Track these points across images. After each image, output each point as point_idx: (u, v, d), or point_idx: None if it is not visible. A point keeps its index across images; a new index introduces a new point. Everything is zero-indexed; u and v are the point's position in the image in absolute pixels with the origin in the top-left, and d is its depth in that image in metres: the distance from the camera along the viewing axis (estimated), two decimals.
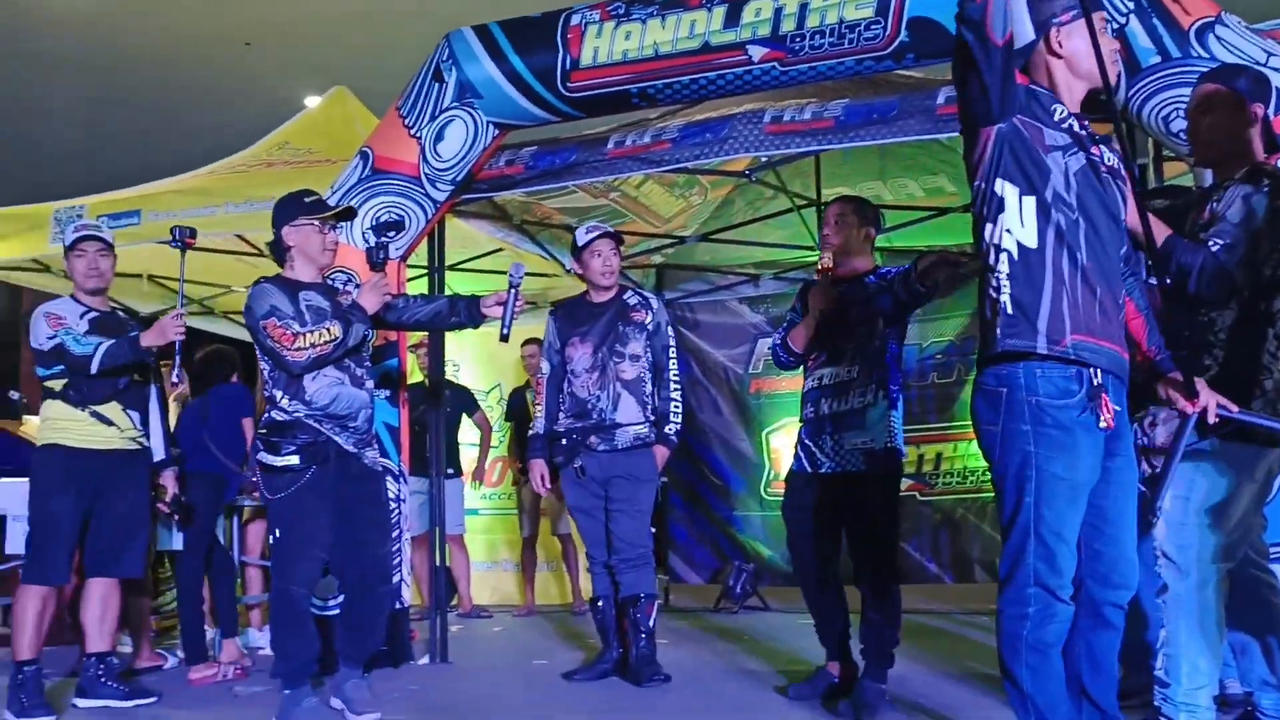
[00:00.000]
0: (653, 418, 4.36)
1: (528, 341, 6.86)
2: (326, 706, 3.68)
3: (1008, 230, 2.35)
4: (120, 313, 4.35)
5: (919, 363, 6.98)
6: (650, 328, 4.38)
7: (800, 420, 3.87)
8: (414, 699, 4.07)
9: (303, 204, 3.84)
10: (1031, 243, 2.34)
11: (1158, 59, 3.67)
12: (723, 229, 6.84)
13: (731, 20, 4.25)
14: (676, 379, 4.44)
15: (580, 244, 4.42)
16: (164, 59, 8.32)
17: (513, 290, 3.80)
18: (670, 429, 4.37)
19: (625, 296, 4.45)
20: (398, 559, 4.74)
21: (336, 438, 3.68)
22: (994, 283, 2.38)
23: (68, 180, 7.73)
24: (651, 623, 4.20)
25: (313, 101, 8.28)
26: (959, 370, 6.79)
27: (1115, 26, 3.67)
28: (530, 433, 4.54)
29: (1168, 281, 2.85)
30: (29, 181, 8.84)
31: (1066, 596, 2.35)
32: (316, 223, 3.80)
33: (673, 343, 4.47)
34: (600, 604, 4.36)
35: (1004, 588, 2.38)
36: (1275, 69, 3.51)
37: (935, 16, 3.95)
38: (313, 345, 3.57)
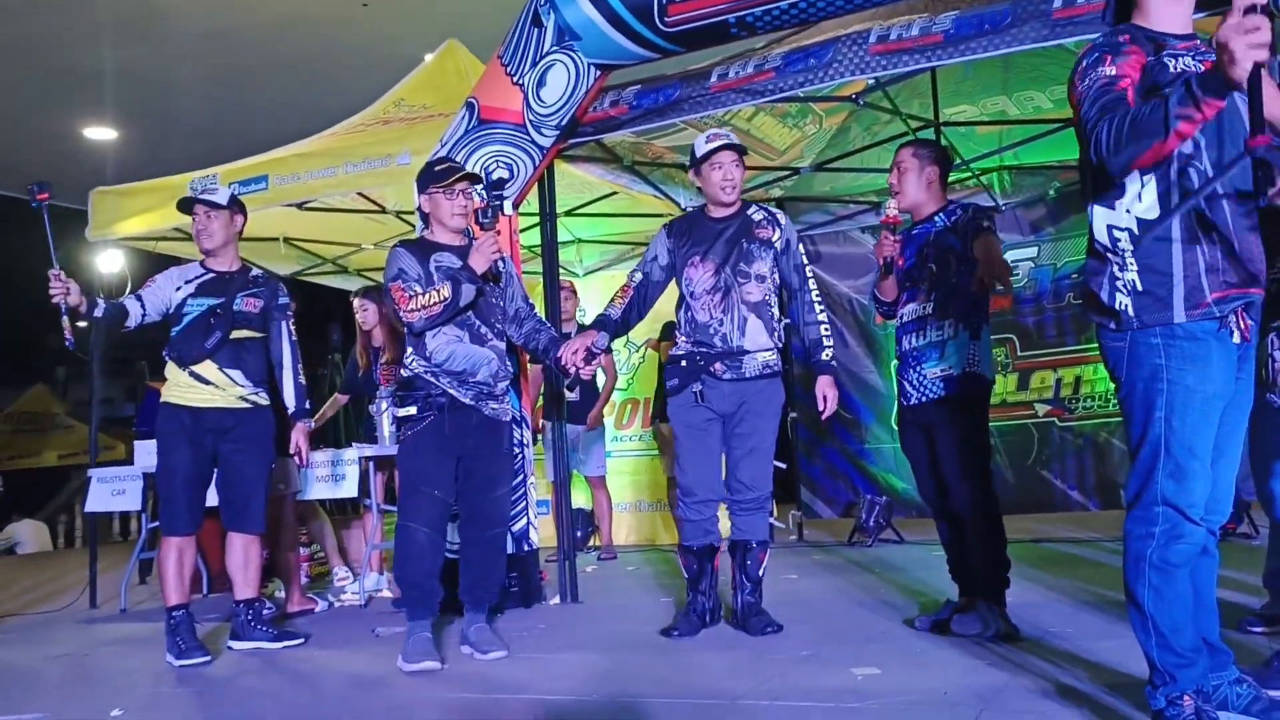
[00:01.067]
0: (780, 344, 4.03)
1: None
2: (436, 651, 3.75)
3: (1126, 210, 2.28)
4: (256, 274, 4.42)
5: (1054, 283, 6.71)
6: (779, 245, 4.01)
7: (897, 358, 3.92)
8: (543, 637, 4.19)
9: (432, 173, 4.01)
10: (1153, 215, 2.25)
11: None
12: (840, 157, 6.66)
13: None
14: (819, 300, 4.06)
15: (699, 155, 4.02)
16: (283, 29, 8.54)
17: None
18: (827, 354, 4.01)
19: (750, 212, 4.06)
20: (522, 504, 4.87)
21: (453, 391, 3.85)
22: (1116, 261, 2.31)
23: (201, 153, 8.07)
24: (761, 571, 3.98)
25: (430, 57, 8.39)
26: None
27: None
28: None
29: None
30: (173, 154, 9.27)
31: (1197, 516, 2.26)
32: (442, 190, 3.94)
33: (805, 260, 4.09)
34: (693, 551, 4.02)
35: (1131, 507, 2.32)
36: None
37: None
38: (423, 307, 3.75)
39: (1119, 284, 2.30)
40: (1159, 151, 2.11)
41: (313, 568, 6.48)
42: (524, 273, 5.32)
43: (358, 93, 7.44)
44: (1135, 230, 2.27)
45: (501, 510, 4.10)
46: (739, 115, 5.93)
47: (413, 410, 3.85)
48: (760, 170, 6.70)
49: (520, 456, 4.88)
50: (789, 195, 7.29)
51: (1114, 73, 2.23)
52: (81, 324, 4.10)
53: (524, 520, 4.89)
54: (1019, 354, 6.76)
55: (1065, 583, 4.57)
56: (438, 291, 3.75)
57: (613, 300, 4.18)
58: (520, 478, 4.86)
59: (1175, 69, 2.24)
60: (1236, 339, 2.24)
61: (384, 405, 5.65)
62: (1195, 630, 2.28)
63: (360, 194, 6.22)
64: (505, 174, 4.86)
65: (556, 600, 4.98)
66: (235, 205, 4.38)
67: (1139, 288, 2.27)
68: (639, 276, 4.14)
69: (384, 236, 7.25)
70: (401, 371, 3.93)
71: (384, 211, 6.67)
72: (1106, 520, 6.55)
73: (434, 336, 3.84)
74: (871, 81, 5.31)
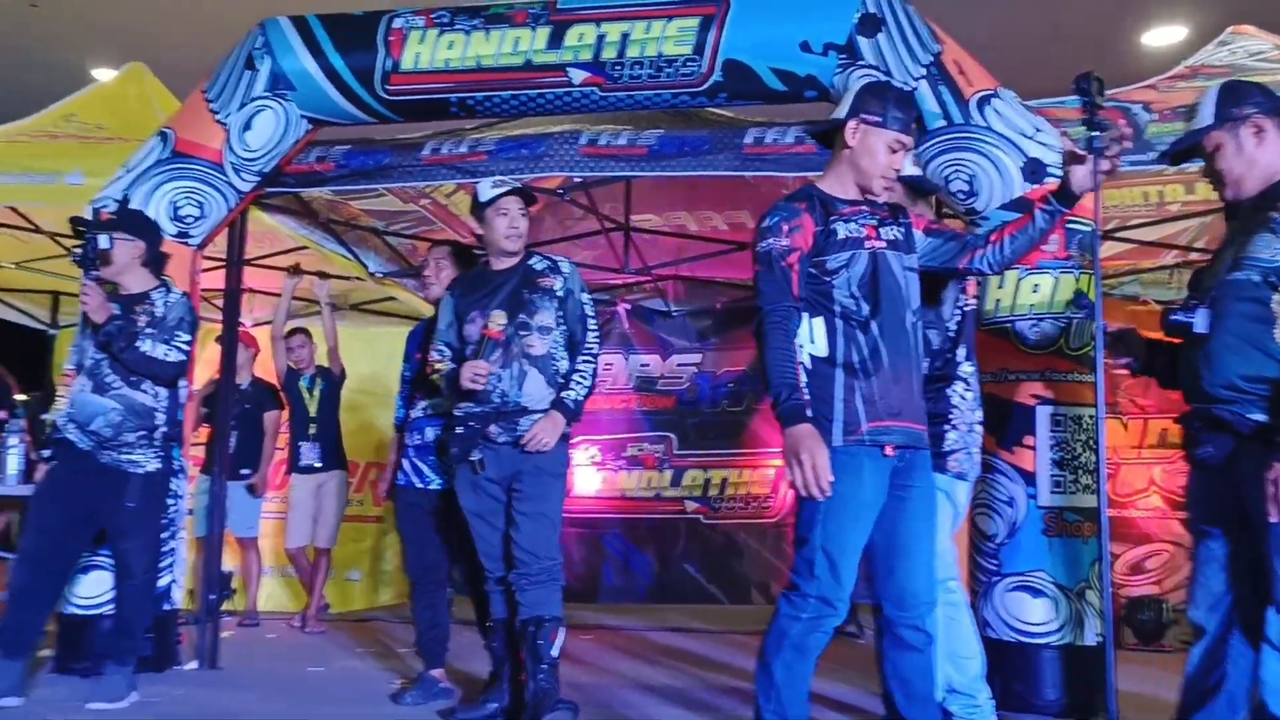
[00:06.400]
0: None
1: (294, 332, 6.46)
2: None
3: (799, 345, 2.63)
4: None
5: (713, 389, 7.25)
6: (560, 294, 3.69)
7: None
8: (177, 704, 3.92)
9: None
10: (824, 353, 2.64)
11: (942, 123, 3.99)
12: (531, 245, 6.86)
13: (555, 41, 4.34)
14: (589, 351, 3.68)
15: (484, 199, 3.73)
16: None
17: None
18: (569, 395, 3.58)
19: (531, 261, 3.77)
20: (170, 559, 4.55)
21: (73, 436, 3.92)
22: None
23: None
24: (555, 651, 3.49)
25: (101, 74, 7.82)
26: (748, 399, 7.07)
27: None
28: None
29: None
30: None
31: (842, 609, 2.57)
32: None
33: (589, 310, 3.73)
34: (493, 628, 3.74)
35: (789, 590, 2.61)
36: (1041, 142, 3.90)
37: (748, 61, 4.17)
38: None
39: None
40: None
41: None
42: (202, 317, 5.03)
43: (14, 99, 6.81)
44: (808, 365, 2.63)
45: (130, 562, 3.98)
46: (440, 190, 6.02)
47: (46, 452, 4.05)
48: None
49: (174, 509, 4.57)
50: None
51: (787, 244, 2.64)
52: None
53: (169, 578, 4.55)
54: (675, 452, 7.23)
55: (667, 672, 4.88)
56: None
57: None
58: (170, 532, 4.55)
59: (841, 236, 2.67)
60: (890, 453, 2.61)
61: (11, 441, 5.09)
62: (806, 710, 2.60)
63: (11, 208, 5.66)
64: (195, 211, 4.64)
65: (194, 665, 4.66)
66: None
67: (810, 414, 2.60)
68: (440, 357, 3.71)
69: (28, 256, 6.60)
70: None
71: (36, 231, 6.08)
72: (732, 614, 7.04)
73: (74, 384, 3.96)
74: (577, 179, 5.59)
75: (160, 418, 3.99)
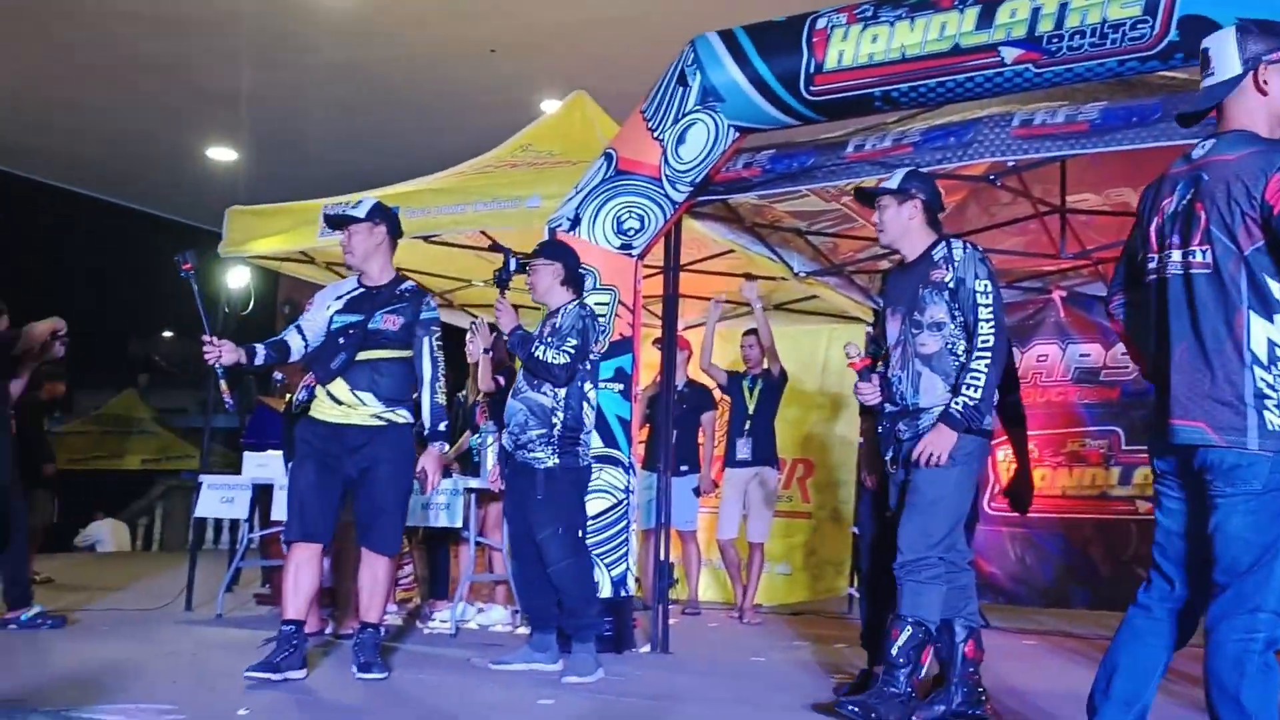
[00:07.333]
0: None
1: (748, 332, 6.75)
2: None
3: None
4: (405, 287, 4.28)
5: None
6: (951, 285, 3.53)
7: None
8: (637, 684, 4.22)
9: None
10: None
11: None
12: (956, 235, 6.64)
13: (984, 21, 4.17)
14: (983, 346, 3.43)
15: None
16: (414, 65, 8.86)
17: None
18: (957, 404, 3.41)
19: (934, 251, 3.64)
20: (623, 549, 4.91)
21: (503, 439, 4.49)
22: (1268, 379, 2.39)
23: (323, 179, 8.33)
24: (894, 650, 3.40)
25: (548, 105, 8.62)
26: None
27: None
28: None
29: None
30: (294, 180, 9.60)
31: None
32: None
33: (983, 299, 3.48)
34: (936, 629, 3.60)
35: (1233, 611, 2.41)
36: None
37: (1210, 14, 3.76)
38: None
39: (1269, 401, 2.35)
40: None
41: (399, 593, 6.54)
42: (642, 323, 5.38)
43: (477, 134, 7.67)
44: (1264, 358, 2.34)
45: (549, 550, 4.29)
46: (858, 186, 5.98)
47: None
48: (872, 242, 6.71)
49: (625, 504, 4.93)
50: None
51: None
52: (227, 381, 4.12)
53: (623, 566, 4.92)
54: (1123, 448, 6.67)
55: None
56: None
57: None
58: (623, 524, 4.91)
59: None
60: None
61: (489, 440, 5.73)
62: None
63: (482, 232, 6.38)
64: (637, 224, 4.98)
65: (647, 649, 4.99)
66: (376, 215, 4.25)
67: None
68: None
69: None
70: None
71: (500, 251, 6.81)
72: None
73: None
74: (1009, 163, 5.32)
75: (559, 416, 4.30)
